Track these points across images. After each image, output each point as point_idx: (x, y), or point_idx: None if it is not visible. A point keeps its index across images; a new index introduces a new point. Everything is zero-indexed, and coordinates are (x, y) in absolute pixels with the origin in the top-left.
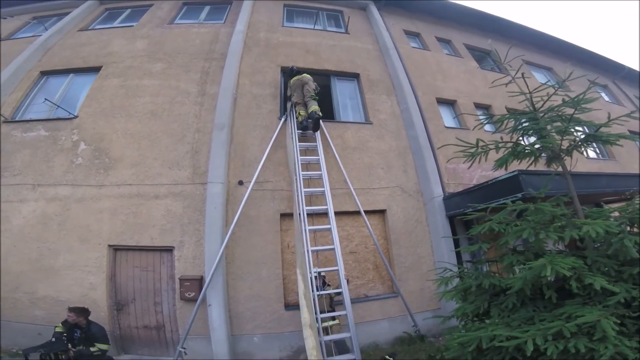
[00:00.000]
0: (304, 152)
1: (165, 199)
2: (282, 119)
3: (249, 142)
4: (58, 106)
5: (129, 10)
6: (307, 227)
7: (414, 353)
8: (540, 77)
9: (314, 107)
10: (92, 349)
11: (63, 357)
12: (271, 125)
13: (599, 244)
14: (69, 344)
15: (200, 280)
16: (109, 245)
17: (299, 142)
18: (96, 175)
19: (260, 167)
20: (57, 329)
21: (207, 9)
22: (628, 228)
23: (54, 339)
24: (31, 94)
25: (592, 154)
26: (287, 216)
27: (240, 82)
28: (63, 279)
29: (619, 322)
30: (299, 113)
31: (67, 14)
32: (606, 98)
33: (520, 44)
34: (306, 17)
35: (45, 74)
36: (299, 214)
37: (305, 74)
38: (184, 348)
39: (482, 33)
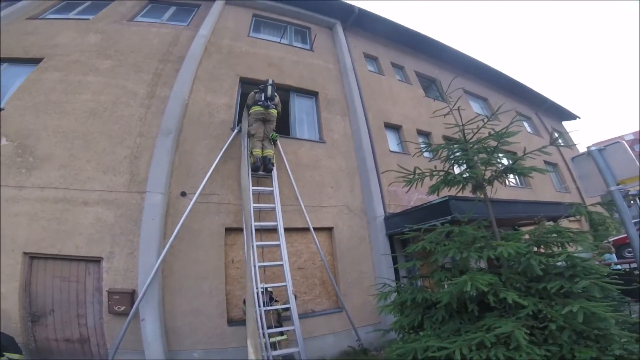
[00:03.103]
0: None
1: (95, 206)
2: (235, 131)
3: (197, 151)
4: None
5: (89, 3)
6: (255, 243)
7: None
8: (476, 107)
9: (269, 152)
10: (1, 359)
11: None
12: (222, 135)
13: (512, 263)
14: None
15: (132, 293)
16: (25, 253)
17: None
18: (16, 175)
19: (207, 178)
20: None
21: (172, 9)
22: (535, 249)
23: None
24: None
25: (512, 182)
26: (232, 230)
27: (194, 87)
28: None
29: (529, 332)
30: (252, 152)
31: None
32: (528, 129)
33: (463, 73)
34: (273, 30)
35: None
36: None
37: (273, 110)
38: None
39: (432, 61)
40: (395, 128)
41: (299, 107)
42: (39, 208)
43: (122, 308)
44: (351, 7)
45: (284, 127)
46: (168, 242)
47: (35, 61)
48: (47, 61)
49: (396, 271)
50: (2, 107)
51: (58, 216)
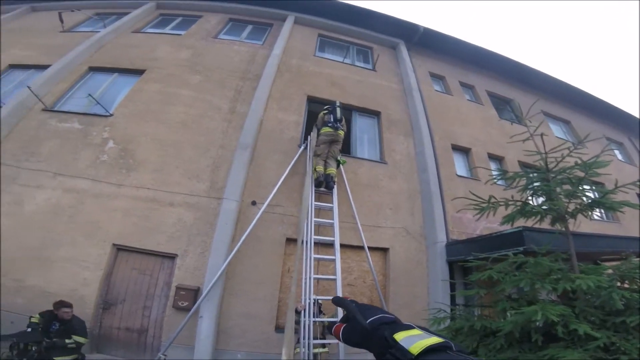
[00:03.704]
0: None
1: (179, 207)
2: (302, 147)
3: (267, 165)
4: (98, 102)
5: (180, 19)
6: (313, 255)
7: None
8: (557, 130)
9: (332, 170)
10: (67, 340)
11: (34, 348)
12: (290, 151)
13: (589, 296)
14: (43, 337)
15: (197, 291)
16: (114, 244)
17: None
18: (118, 174)
19: (275, 190)
20: (33, 320)
21: (249, 28)
22: (618, 284)
23: (29, 329)
24: (75, 87)
25: (597, 215)
26: (292, 241)
27: (268, 105)
28: (58, 271)
29: None
30: (315, 168)
31: (126, 13)
32: (619, 156)
33: (542, 94)
34: (337, 49)
35: (92, 69)
36: (306, 242)
37: (341, 131)
38: (165, 355)
39: (506, 80)
40: (464, 151)
41: (361, 127)
42: (133, 205)
43: (185, 304)
44: (415, 27)
45: (344, 145)
46: (236, 246)
47: (139, 72)
48: (148, 73)
49: (452, 298)
50: (112, 113)
51: (147, 214)
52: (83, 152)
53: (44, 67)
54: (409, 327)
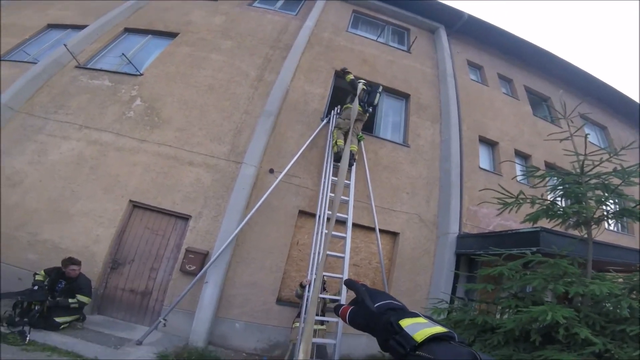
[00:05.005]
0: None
1: (198, 167)
2: (324, 121)
3: (288, 134)
4: (130, 62)
5: None
6: (324, 231)
7: None
8: (591, 136)
9: (354, 147)
10: (70, 300)
11: (37, 307)
12: (313, 123)
13: (591, 303)
14: (49, 295)
15: (206, 255)
16: (130, 201)
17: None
18: (142, 130)
19: (294, 161)
20: (38, 277)
21: None
22: (628, 293)
23: (36, 287)
24: (109, 47)
25: (611, 225)
26: (304, 214)
27: (295, 75)
28: (73, 225)
29: None
30: (336, 142)
31: None
32: None
33: (582, 95)
34: (371, 27)
35: (127, 30)
36: (319, 216)
37: (367, 112)
38: (166, 320)
39: (547, 77)
40: (491, 144)
41: (387, 107)
42: (153, 161)
43: (193, 268)
44: (460, 13)
45: (368, 124)
46: (250, 212)
47: (172, 35)
48: (181, 36)
49: (453, 290)
50: (142, 72)
51: (166, 171)
52: (110, 108)
53: (81, 27)
54: (415, 315)
